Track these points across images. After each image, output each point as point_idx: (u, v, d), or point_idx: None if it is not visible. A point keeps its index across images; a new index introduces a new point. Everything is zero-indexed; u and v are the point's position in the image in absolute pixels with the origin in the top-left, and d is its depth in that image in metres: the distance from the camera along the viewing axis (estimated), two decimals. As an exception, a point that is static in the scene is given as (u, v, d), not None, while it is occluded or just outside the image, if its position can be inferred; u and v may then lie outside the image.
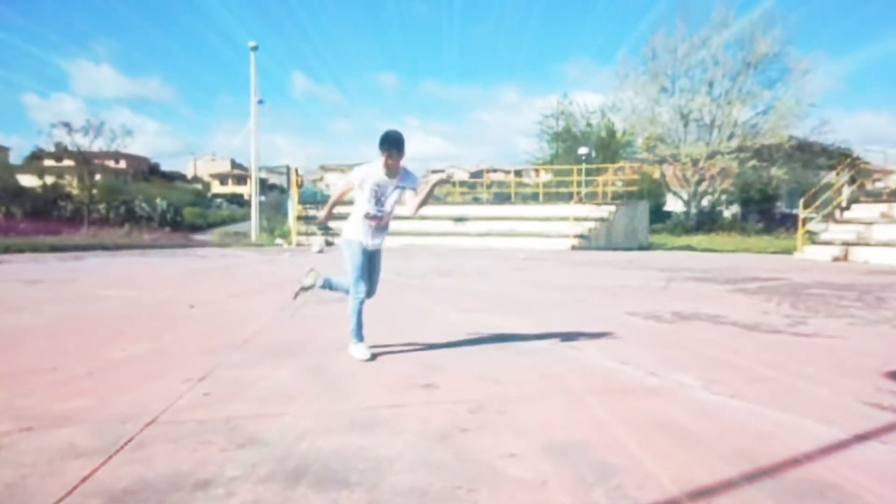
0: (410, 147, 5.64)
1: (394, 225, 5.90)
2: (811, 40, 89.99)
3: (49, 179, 47.10)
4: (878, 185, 31.09)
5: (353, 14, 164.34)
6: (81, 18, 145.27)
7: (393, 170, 5.48)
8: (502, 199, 36.10)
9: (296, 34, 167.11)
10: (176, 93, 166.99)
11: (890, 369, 5.41)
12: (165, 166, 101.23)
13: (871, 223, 21.29)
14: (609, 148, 46.65)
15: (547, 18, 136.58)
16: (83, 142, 38.95)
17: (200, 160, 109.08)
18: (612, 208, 27.47)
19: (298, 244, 27.63)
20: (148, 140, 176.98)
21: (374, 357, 5.62)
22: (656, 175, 45.31)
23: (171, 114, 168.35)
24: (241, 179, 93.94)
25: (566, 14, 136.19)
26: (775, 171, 40.69)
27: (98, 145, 40.10)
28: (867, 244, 20.37)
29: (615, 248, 25.57)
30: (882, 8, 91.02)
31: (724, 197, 44.96)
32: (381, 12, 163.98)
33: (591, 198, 29.15)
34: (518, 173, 50.90)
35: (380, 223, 5.65)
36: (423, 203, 5.68)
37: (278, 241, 30.00)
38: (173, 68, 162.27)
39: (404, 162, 5.56)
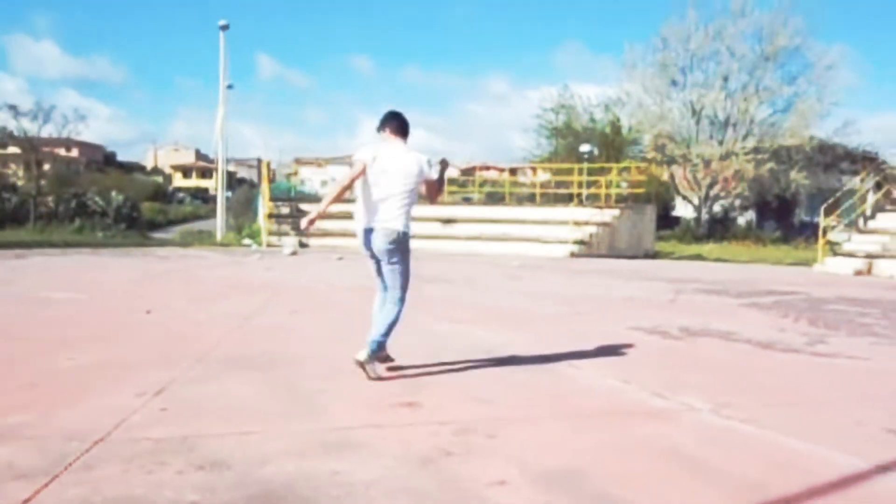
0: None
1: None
2: (834, 33, 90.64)
3: (-9, 168, 46.80)
4: (906, 192, 31.27)
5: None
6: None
7: None
8: (495, 199, 36.11)
9: (261, 12, 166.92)
10: (129, 74, 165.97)
11: (917, 394, 5.45)
12: (123, 156, 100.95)
13: (897, 234, 21.41)
14: (613, 146, 46.59)
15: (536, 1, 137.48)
16: (31, 127, 38.61)
17: (162, 150, 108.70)
18: (616, 212, 27.50)
19: (269, 245, 27.54)
20: (100, 126, 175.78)
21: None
22: (665, 177, 45.33)
23: (123, 98, 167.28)
24: (206, 172, 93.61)
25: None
26: (795, 175, 40.80)
27: (47, 131, 39.82)
28: (893, 257, 20.45)
29: (618, 256, 25.57)
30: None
31: (738, 202, 45.11)
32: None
33: (593, 200, 29.20)
34: (513, 171, 51.03)
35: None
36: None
37: (247, 241, 29.84)
38: (124, 46, 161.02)
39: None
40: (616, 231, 27.14)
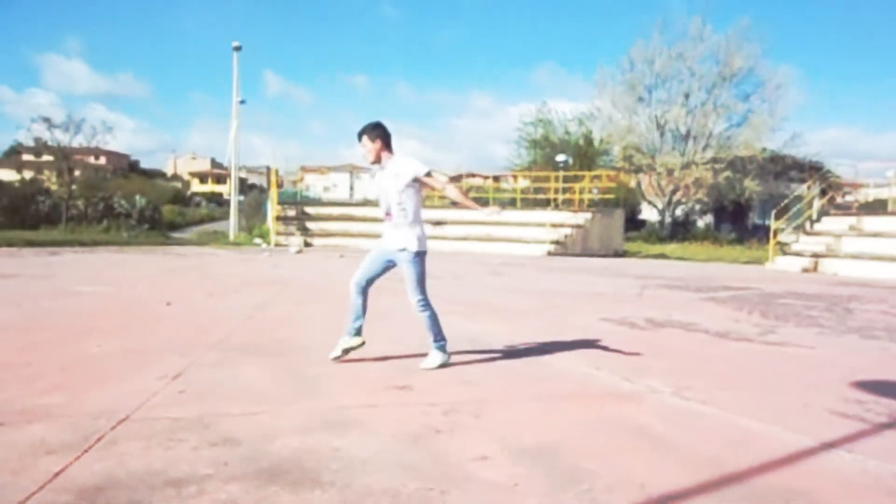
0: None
1: (367, 227, 5.67)
2: (784, 56, 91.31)
3: (28, 174, 46.53)
4: (848, 198, 31.54)
5: (324, 15, 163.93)
6: (50, 10, 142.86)
7: (371, 159, 5.40)
8: (480, 203, 35.99)
9: (270, 34, 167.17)
10: (151, 91, 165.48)
11: (856, 379, 5.47)
12: (146, 164, 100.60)
13: (840, 236, 21.45)
14: (586, 156, 46.63)
15: (515, 25, 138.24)
16: (63, 137, 38.42)
17: (181, 158, 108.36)
18: (589, 215, 27.48)
19: (277, 244, 27.44)
20: (125, 137, 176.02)
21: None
22: (632, 184, 45.50)
23: (146, 111, 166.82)
24: (220, 178, 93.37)
25: (535, 21, 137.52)
26: (748, 183, 41.08)
27: (78, 141, 39.59)
28: (836, 256, 20.52)
29: (591, 255, 25.59)
30: (850, 26, 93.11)
31: (697, 207, 45.27)
32: (349, 13, 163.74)
33: (568, 205, 29.21)
34: (496, 179, 50.89)
35: (389, 219, 5.41)
36: (460, 202, 5.73)
37: (257, 240, 29.72)
38: (147, 65, 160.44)
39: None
40: (588, 232, 27.13)
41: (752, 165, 41.38)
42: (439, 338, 5.51)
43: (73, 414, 3.91)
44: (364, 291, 5.55)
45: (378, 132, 5.34)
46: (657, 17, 55.09)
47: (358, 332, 5.55)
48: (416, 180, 5.29)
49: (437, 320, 5.51)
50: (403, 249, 5.33)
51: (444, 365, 5.48)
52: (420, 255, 5.37)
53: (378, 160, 5.38)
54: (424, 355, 5.72)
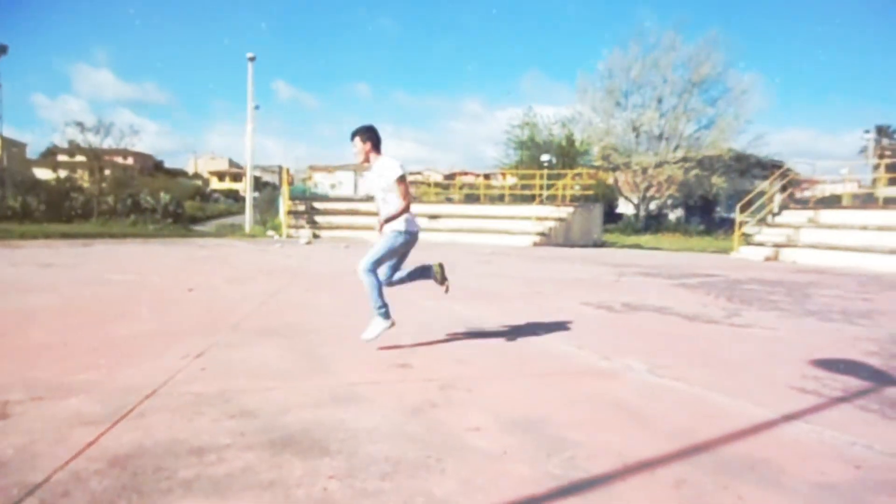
0: (385, 150, 5.44)
1: (370, 220, 5.59)
2: (749, 63, 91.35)
3: (62, 173, 46.42)
4: (806, 193, 31.48)
5: (329, 28, 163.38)
6: (78, 24, 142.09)
7: (361, 158, 5.38)
8: (472, 199, 36.05)
9: (281, 46, 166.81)
10: (173, 97, 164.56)
11: (814, 357, 5.48)
12: (169, 164, 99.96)
13: (799, 227, 21.48)
14: (568, 155, 46.60)
15: (503, 36, 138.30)
16: (94, 140, 38.51)
17: (201, 158, 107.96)
18: (570, 209, 27.45)
19: (288, 236, 27.39)
20: (150, 139, 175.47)
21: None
22: (610, 181, 45.60)
23: (169, 116, 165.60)
24: (237, 177, 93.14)
25: (521, 32, 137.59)
26: (715, 180, 41.26)
27: (108, 143, 39.64)
28: (795, 246, 20.54)
29: (572, 245, 25.57)
30: (811, 37, 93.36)
31: (669, 201, 45.38)
32: (351, 26, 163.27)
33: (552, 200, 29.15)
34: (487, 176, 51.00)
35: (379, 213, 5.42)
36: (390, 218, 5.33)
37: (270, 233, 29.67)
38: (169, 74, 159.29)
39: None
40: (570, 225, 27.11)
41: (718, 164, 41.57)
42: (380, 305, 5.37)
43: (105, 389, 3.90)
44: (388, 278, 5.57)
45: (369, 135, 5.35)
46: (633, 28, 55.04)
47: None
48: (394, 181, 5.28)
49: (379, 291, 5.38)
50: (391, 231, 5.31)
51: (380, 334, 5.38)
52: (400, 234, 5.32)
53: (367, 160, 5.38)
54: (424, 338, 5.75)
